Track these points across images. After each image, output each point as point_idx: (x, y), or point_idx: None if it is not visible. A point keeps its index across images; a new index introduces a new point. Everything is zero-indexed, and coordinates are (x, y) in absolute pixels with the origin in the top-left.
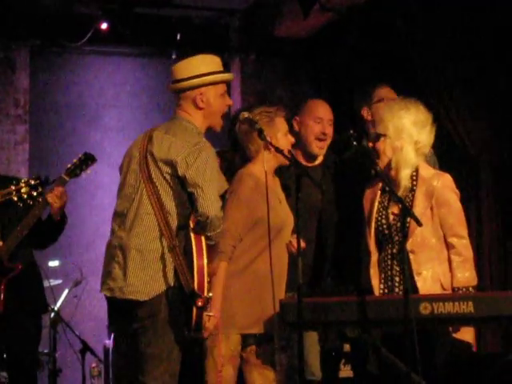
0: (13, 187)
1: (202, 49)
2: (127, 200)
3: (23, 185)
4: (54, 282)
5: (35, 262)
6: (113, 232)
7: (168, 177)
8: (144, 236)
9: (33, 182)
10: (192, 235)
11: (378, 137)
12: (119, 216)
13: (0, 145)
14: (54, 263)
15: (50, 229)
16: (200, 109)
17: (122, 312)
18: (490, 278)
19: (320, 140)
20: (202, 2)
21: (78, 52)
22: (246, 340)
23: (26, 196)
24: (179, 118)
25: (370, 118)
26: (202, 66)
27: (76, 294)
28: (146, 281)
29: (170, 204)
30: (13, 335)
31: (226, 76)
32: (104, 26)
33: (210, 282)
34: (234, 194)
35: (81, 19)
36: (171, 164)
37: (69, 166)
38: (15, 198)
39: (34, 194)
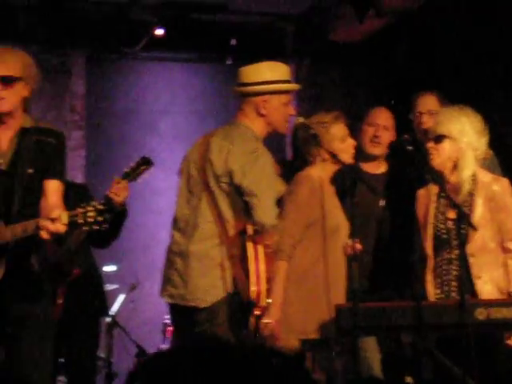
0: (80, 210)
1: (257, 54)
2: (187, 206)
3: (91, 208)
4: (109, 287)
5: (96, 265)
6: (172, 238)
7: (225, 186)
8: (204, 243)
9: (101, 208)
10: (249, 243)
11: (439, 138)
12: (179, 222)
13: None
14: (109, 268)
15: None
16: (262, 116)
17: (183, 317)
18: None
19: (373, 142)
20: (257, 8)
21: (133, 58)
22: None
23: (91, 220)
24: (238, 124)
25: (417, 125)
26: (269, 72)
27: (132, 298)
28: (206, 288)
29: (227, 212)
30: (73, 339)
31: (292, 86)
32: (159, 32)
33: (268, 290)
34: (292, 195)
35: (136, 25)
36: (228, 173)
37: (125, 169)
38: (81, 221)
39: (100, 219)
